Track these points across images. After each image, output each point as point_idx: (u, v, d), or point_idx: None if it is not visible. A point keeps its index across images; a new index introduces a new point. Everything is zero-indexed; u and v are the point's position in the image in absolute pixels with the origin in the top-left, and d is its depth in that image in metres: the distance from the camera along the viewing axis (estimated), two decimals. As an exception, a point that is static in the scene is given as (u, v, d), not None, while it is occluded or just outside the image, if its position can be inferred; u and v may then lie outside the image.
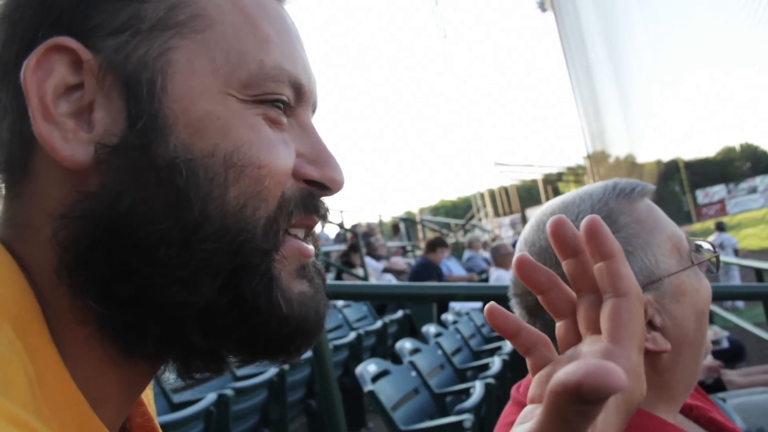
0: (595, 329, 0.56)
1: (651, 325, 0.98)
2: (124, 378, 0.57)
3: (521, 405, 1.04)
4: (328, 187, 0.62)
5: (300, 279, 0.59)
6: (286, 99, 0.60)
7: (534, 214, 1.14)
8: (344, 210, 14.66)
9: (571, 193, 1.09)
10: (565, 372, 0.45)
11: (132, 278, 0.53)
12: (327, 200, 0.64)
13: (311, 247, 0.62)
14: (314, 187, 0.61)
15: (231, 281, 0.55)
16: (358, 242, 9.45)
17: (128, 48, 0.55)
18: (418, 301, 8.04)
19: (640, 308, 0.54)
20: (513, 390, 1.10)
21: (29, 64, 0.53)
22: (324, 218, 0.63)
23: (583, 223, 0.57)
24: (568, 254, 0.59)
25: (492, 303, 0.61)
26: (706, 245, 1.09)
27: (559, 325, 0.62)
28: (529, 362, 0.62)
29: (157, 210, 0.53)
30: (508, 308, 0.78)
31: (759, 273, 5.76)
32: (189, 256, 0.53)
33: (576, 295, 0.61)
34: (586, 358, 0.50)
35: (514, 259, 0.62)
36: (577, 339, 0.59)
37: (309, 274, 0.61)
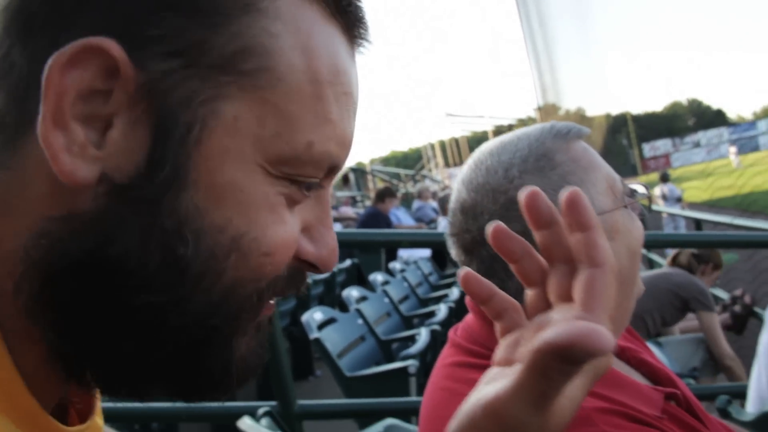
0: (566, 298, 0.55)
1: None
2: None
3: (458, 347, 1.05)
4: (319, 267, 0.57)
5: (255, 337, 0.56)
6: (316, 184, 0.54)
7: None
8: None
9: (509, 134, 1.09)
10: (554, 333, 0.46)
11: (94, 324, 0.48)
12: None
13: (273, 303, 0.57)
14: (305, 265, 0.56)
15: (192, 350, 0.51)
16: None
17: (177, 78, 0.47)
18: (364, 248, 8.08)
19: (613, 279, 0.54)
20: (450, 333, 1.10)
21: (59, 60, 0.44)
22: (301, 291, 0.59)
23: (564, 195, 0.56)
24: (543, 226, 0.58)
25: (468, 270, 0.60)
26: (639, 189, 1.10)
27: (530, 293, 0.61)
28: (499, 327, 0.62)
29: (147, 274, 0.47)
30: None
31: (698, 223, 5.92)
32: (160, 324, 0.48)
33: (548, 265, 0.59)
34: (559, 324, 0.50)
35: (489, 229, 0.60)
36: (547, 306, 0.58)
37: (264, 329, 0.57)
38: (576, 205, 0.56)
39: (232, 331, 0.52)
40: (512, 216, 0.98)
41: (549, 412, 0.51)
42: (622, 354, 1.14)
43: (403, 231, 7.30)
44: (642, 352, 1.16)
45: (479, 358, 1.00)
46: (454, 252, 1.06)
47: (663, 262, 7.42)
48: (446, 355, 1.07)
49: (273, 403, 2.69)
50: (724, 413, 1.92)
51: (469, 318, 1.09)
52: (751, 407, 2.09)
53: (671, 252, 4.64)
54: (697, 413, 1.04)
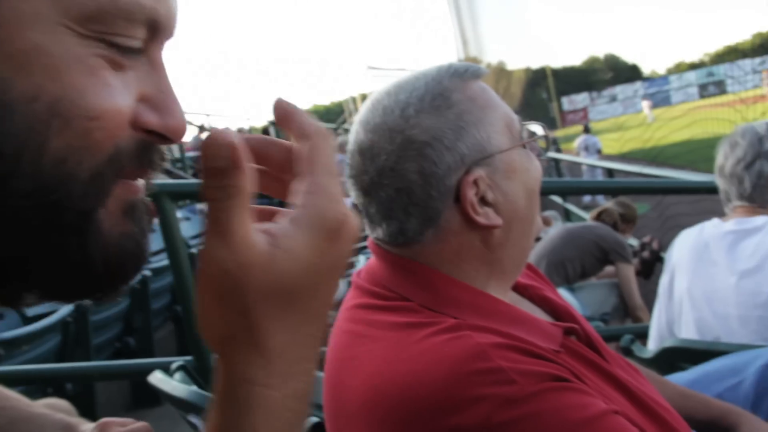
0: None
1: (483, 201, 0.99)
2: None
3: (360, 289, 1.06)
4: (169, 137, 0.54)
5: (124, 220, 0.52)
6: (137, 45, 0.50)
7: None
8: (210, 114, 14.05)
9: (407, 74, 1.07)
10: None
11: None
12: (166, 148, 0.56)
13: (141, 183, 0.54)
14: (154, 137, 0.53)
15: (43, 237, 0.47)
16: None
17: None
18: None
19: (328, 144, 0.53)
20: (353, 276, 1.10)
21: None
22: (160, 170, 0.56)
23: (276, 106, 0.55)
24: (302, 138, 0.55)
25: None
26: (537, 129, 1.11)
27: None
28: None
29: None
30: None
31: (611, 173, 6.10)
32: None
33: None
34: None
35: (273, 104, 0.57)
36: None
37: (135, 213, 0.54)
38: (289, 113, 0.55)
39: (83, 209, 0.49)
40: (409, 156, 0.97)
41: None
42: (524, 291, 1.16)
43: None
44: (544, 290, 1.18)
45: (381, 300, 1.01)
46: (353, 194, 1.05)
47: (582, 214, 7.64)
48: (349, 298, 1.08)
49: (189, 357, 2.65)
50: (627, 351, 1.99)
51: (372, 261, 1.08)
52: (651, 345, 2.18)
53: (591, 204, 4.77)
54: (598, 348, 1.06)
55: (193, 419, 1.62)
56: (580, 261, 4.15)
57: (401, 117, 0.98)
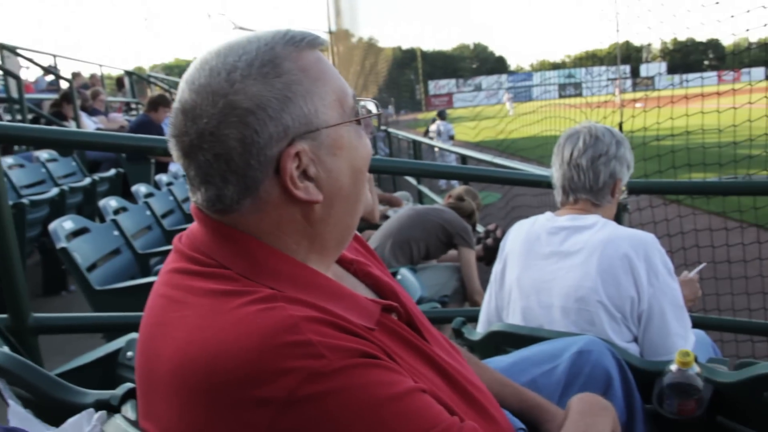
0: None
1: (305, 175, 0.96)
2: None
3: (180, 253, 1.00)
4: None
5: None
6: None
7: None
8: (58, 55, 13.01)
9: (243, 35, 1.01)
10: None
11: None
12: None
13: None
14: None
15: None
16: (72, 92, 8.57)
17: None
18: (132, 158, 7.64)
19: None
20: (175, 240, 1.05)
21: None
22: None
23: None
24: None
25: None
26: (371, 107, 1.09)
27: None
28: None
29: None
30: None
31: (464, 159, 6.27)
32: None
33: None
34: None
35: None
36: None
37: None
38: None
39: None
40: (230, 122, 0.92)
41: None
42: (349, 266, 1.15)
43: (166, 138, 6.93)
44: (371, 266, 1.18)
45: (200, 266, 0.96)
46: (175, 154, 0.99)
47: (435, 197, 7.81)
48: (168, 261, 1.03)
49: (4, 316, 2.45)
50: (458, 333, 2.04)
51: (194, 226, 1.03)
52: (480, 328, 2.24)
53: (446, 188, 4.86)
54: (419, 328, 1.07)
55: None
56: (425, 242, 4.23)
57: (226, 80, 0.93)
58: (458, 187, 5.18)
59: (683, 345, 1.92)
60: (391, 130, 11.67)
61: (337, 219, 1.01)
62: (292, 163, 0.94)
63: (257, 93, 0.93)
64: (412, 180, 8.93)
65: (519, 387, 1.39)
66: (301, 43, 0.98)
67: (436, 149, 11.40)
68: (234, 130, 0.93)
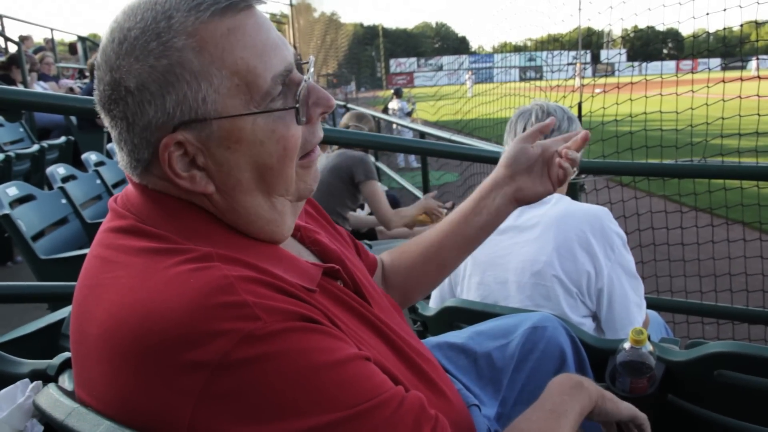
0: None
1: (194, 163, 0.89)
2: None
3: (114, 212, 0.96)
4: None
5: None
6: None
7: None
8: (5, 15, 12.43)
9: None
10: None
11: None
12: None
13: None
14: None
15: None
16: (21, 55, 8.24)
17: None
18: (82, 126, 7.43)
19: None
20: (110, 201, 1.00)
21: None
22: None
23: None
24: None
25: None
26: (319, 97, 0.96)
27: None
28: None
29: None
30: None
31: (422, 135, 6.29)
32: None
33: None
34: None
35: None
36: None
37: None
38: None
39: None
40: (114, 97, 0.87)
41: None
42: (295, 232, 1.10)
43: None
44: (318, 233, 1.14)
45: (132, 223, 0.91)
46: (106, 123, 0.93)
47: (394, 175, 7.79)
48: (105, 221, 0.98)
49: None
50: (412, 308, 2.01)
51: (129, 187, 0.98)
52: (433, 304, 2.22)
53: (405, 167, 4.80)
54: (366, 296, 1.05)
55: None
56: (340, 204, 4.18)
57: (114, 52, 0.87)
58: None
59: (640, 313, 1.95)
60: (350, 106, 11.60)
61: (247, 211, 0.94)
62: (175, 151, 0.87)
63: (138, 73, 0.85)
64: (370, 157, 8.89)
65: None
66: (208, 10, 0.86)
67: (395, 126, 11.42)
68: (117, 107, 0.88)
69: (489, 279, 2.03)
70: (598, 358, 1.58)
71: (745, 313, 3.71)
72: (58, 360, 1.26)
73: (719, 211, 5.01)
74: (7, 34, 10.98)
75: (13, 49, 9.77)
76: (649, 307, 2.15)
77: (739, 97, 4.25)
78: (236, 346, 0.76)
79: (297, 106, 0.92)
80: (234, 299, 0.78)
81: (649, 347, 1.49)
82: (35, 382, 1.18)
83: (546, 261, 1.91)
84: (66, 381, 1.17)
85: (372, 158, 8.65)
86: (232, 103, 0.87)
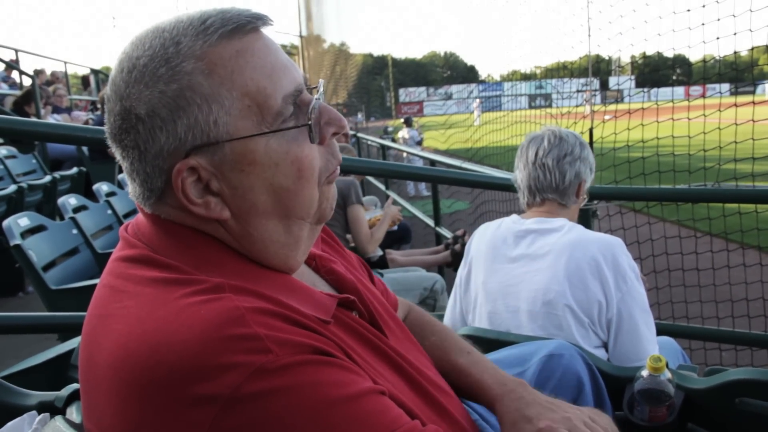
0: None
1: (209, 189, 0.88)
2: None
3: (125, 241, 0.94)
4: None
5: None
6: None
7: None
8: (20, 49, 12.67)
9: (162, 21, 0.90)
10: None
11: None
12: None
13: None
14: None
15: None
16: (35, 89, 8.34)
17: None
18: (94, 157, 7.49)
19: None
20: (121, 230, 0.99)
21: None
22: None
23: None
24: None
25: None
26: (330, 117, 0.94)
27: None
28: None
29: None
30: None
31: (432, 163, 6.29)
32: None
33: None
34: None
35: None
36: None
37: None
38: None
39: None
40: (125, 127, 0.87)
41: None
42: (310, 261, 1.09)
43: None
44: (334, 262, 1.12)
45: (142, 253, 0.90)
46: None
47: (403, 203, 7.78)
48: (115, 250, 0.97)
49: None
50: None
51: (139, 216, 0.97)
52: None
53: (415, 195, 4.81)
54: (381, 326, 1.02)
55: None
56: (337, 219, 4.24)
57: (124, 81, 0.86)
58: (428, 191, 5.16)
59: (653, 350, 1.90)
60: (360, 135, 11.65)
61: (262, 236, 0.92)
62: (188, 177, 0.86)
63: (148, 99, 0.84)
64: (380, 185, 8.90)
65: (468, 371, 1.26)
66: (215, 33, 0.86)
67: (405, 155, 11.46)
68: (128, 136, 0.87)
69: (500, 308, 2.01)
70: (615, 387, 1.54)
71: (765, 339, 3.65)
72: (66, 391, 1.24)
73: (734, 236, 4.96)
74: (22, 68, 11.13)
75: (27, 82, 9.91)
76: (665, 333, 2.12)
77: (752, 120, 4.21)
78: (247, 379, 0.73)
79: (309, 123, 0.90)
80: (245, 331, 0.76)
81: (668, 375, 1.46)
82: (42, 415, 1.17)
83: (558, 290, 1.88)
84: (74, 413, 1.16)
85: (383, 186, 8.71)
86: (243, 124, 0.86)
